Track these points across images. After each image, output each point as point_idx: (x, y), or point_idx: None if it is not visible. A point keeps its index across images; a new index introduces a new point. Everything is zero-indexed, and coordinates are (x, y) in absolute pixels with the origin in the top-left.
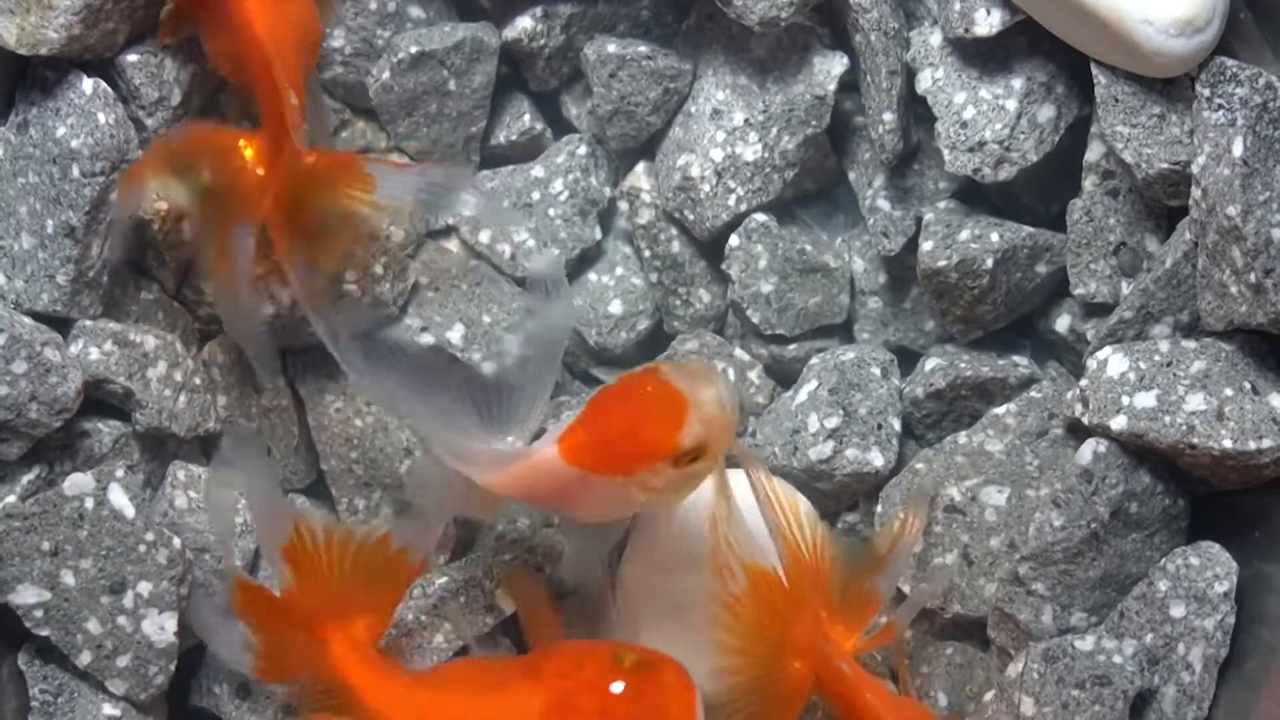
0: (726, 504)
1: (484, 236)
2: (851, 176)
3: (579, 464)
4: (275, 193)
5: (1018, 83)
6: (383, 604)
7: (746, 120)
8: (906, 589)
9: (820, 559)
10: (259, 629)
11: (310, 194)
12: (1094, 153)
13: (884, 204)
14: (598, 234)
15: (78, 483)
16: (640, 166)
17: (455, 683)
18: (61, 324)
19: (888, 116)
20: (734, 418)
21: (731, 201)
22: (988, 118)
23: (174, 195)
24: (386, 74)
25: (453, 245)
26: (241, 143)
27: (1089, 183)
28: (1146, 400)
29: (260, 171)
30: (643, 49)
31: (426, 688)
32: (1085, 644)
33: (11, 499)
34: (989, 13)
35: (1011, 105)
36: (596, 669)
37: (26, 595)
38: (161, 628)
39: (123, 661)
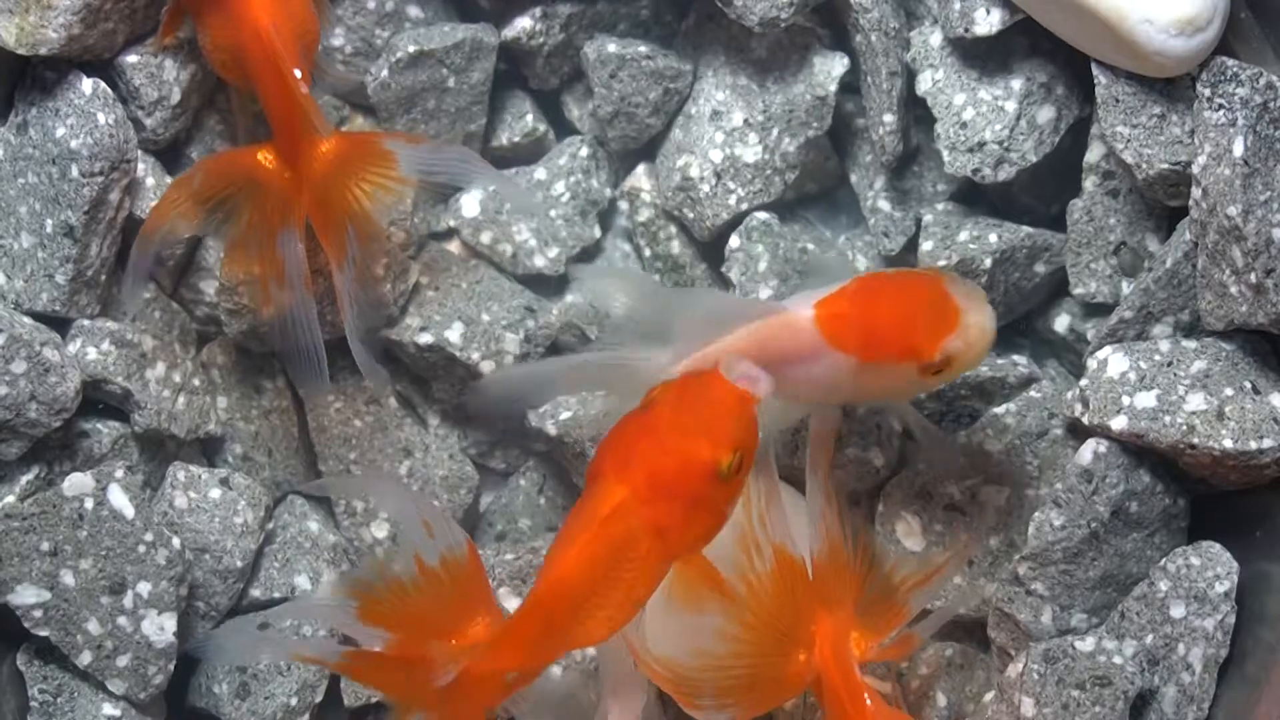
0: (768, 483)
1: (485, 237)
2: (853, 178)
3: (828, 334)
4: (307, 189)
5: (1017, 83)
6: (478, 594)
7: (746, 121)
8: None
9: (856, 560)
10: (396, 691)
11: (338, 179)
12: (1094, 153)
13: (885, 205)
14: (597, 232)
15: (77, 483)
16: (641, 168)
17: (558, 558)
18: (60, 324)
19: (888, 118)
20: (988, 348)
21: (732, 201)
22: (987, 118)
23: (207, 230)
24: (385, 72)
25: (454, 246)
26: (260, 155)
27: (1089, 183)
28: (1147, 400)
29: (287, 174)
30: (642, 49)
31: (540, 594)
32: (1085, 644)
33: (11, 499)
34: (989, 12)
35: (1011, 106)
36: (637, 420)
37: (26, 595)
38: (161, 628)
39: (122, 661)
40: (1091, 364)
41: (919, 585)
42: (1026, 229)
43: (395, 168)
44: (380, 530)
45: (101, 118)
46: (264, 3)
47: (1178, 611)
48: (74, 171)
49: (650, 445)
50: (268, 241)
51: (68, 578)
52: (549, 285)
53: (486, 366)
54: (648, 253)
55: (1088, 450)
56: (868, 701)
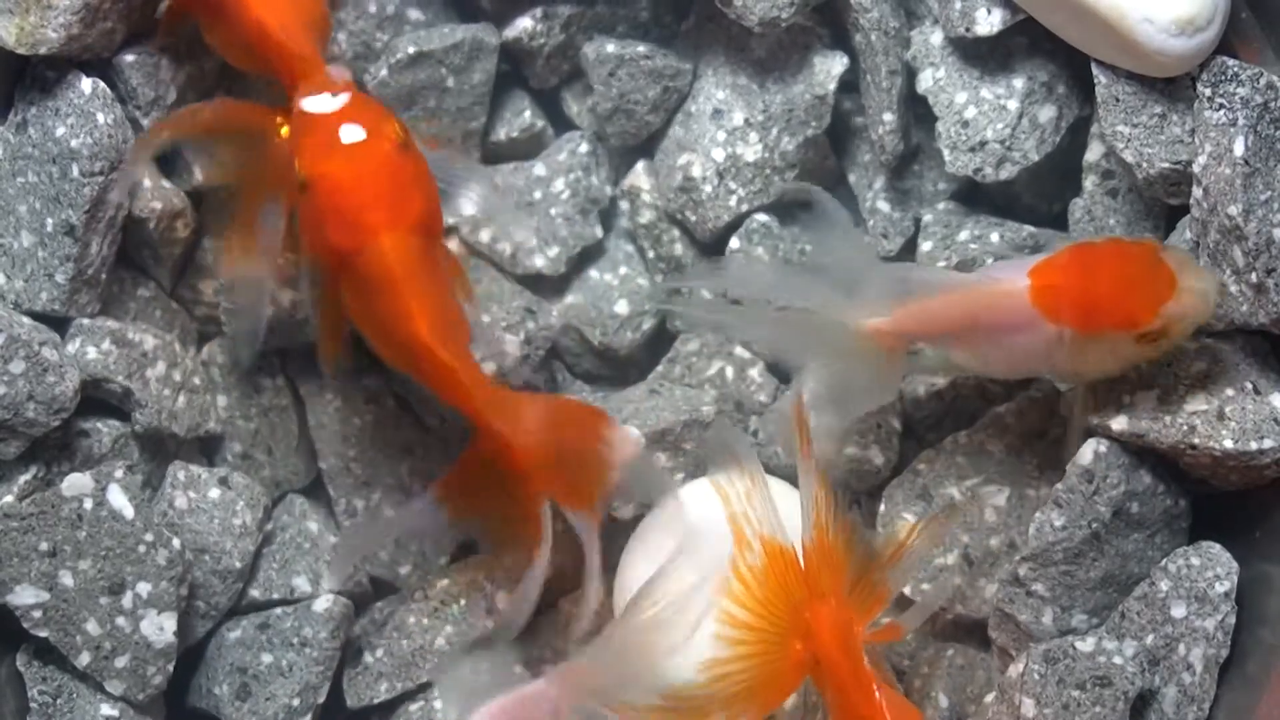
0: (754, 476)
1: (484, 236)
2: (852, 178)
3: (1044, 306)
4: None
5: (1019, 82)
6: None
7: (747, 120)
8: (908, 591)
9: (842, 546)
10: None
11: None
12: (1094, 152)
13: (884, 205)
14: (599, 232)
15: (76, 483)
16: (640, 165)
17: (417, 336)
18: (60, 323)
19: (888, 117)
20: (1208, 314)
21: (733, 202)
22: (989, 117)
23: (199, 164)
24: (384, 72)
25: (452, 244)
26: (279, 120)
27: (1089, 182)
28: (1147, 400)
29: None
30: (641, 49)
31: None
32: (1086, 645)
33: (9, 499)
34: (990, 12)
35: (1013, 105)
36: (321, 198)
37: (25, 596)
38: (160, 628)
39: (121, 662)
40: None
41: (889, 565)
42: (1028, 228)
43: None
44: None
45: (101, 117)
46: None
47: (1178, 612)
48: (74, 171)
49: (351, 196)
50: (250, 206)
51: (66, 578)
52: (549, 285)
53: (488, 367)
54: (651, 254)
55: (1088, 450)
56: (876, 693)
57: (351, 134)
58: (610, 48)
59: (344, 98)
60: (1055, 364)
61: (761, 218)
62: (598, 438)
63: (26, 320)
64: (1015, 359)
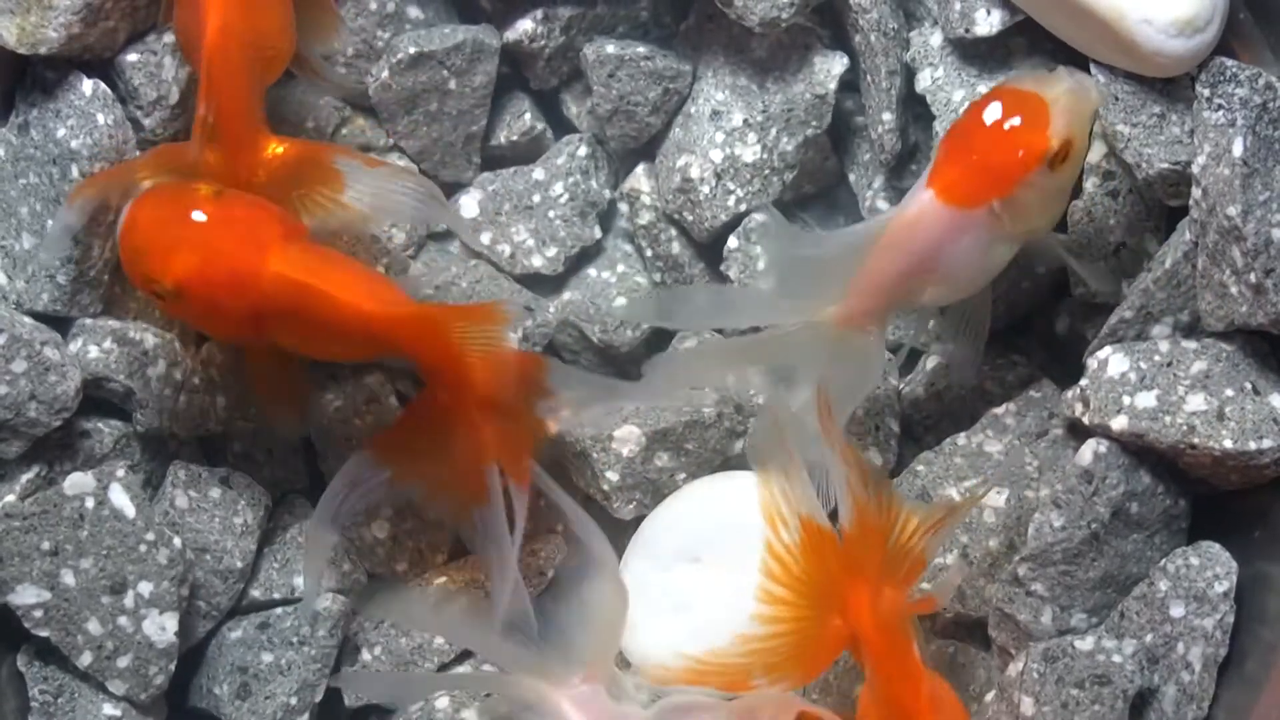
0: (789, 457)
1: (484, 237)
2: (851, 177)
3: (957, 199)
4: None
5: None
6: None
7: (745, 121)
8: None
9: (884, 520)
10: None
11: (280, 191)
12: (1094, 153)
13: (883, 204)
14: (597, 233)
15: (78, 482)
16: (640, 168)
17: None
18: (62, 323)
19: (887, 116)
20: (1091, 107)
21: (731, 203)
22: None
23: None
24: (385, 73)
25: (452, 246)
26: (206, 153)
27: (1089, 183)
28: (1147, 400)
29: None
30: (641, 50)
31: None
32: (1085, 644)
33: (11, 498)
34: (989, 13)
35: None
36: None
37: (26, 595)
38: (162, 628)
39: (123, 662)
40: (1091, 364)
41: (931, 532)
42: None
43: (340, 190)
44: (381, 531)
45: (101, 118)
46: (218, 6)
47: (1177, 611)
48: (74, 172)
49: (220, 263)
50: None
51: (68, 577)
52: (547, 284)
53: None
54: (649, 254)
55: (1088, 451)
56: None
57: (172, 221)
58: (610, 49)
59: (128, 206)
60: (1010, 238)
61: (759, 217)
62: (539, 389)
63: (28, 320)
64: (977, 263)
